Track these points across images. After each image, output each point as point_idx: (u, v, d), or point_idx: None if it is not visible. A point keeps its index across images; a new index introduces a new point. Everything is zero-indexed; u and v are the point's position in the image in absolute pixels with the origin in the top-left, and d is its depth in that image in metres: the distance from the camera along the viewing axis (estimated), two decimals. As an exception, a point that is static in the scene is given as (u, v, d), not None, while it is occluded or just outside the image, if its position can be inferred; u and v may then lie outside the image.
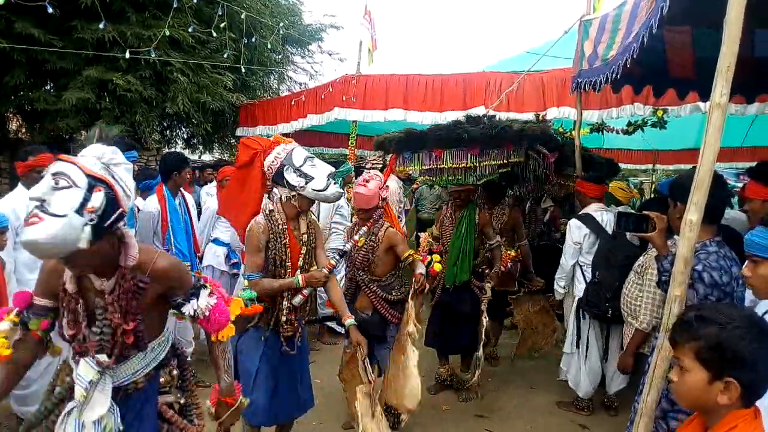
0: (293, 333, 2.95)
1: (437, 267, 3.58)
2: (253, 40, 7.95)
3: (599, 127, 5.92)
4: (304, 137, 8.33)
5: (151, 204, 4.30)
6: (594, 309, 3.91)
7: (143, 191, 4.73)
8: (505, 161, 3.83)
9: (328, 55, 11.25)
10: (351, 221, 6.21)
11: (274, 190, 2.88)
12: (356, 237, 3.52)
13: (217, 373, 2.11)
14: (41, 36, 6.13)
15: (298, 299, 2.92)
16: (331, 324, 5.29)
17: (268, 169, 2.80)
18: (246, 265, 2.88)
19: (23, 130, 8.57)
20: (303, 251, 2.90)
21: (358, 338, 3.08)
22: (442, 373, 4.49)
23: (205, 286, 1.99)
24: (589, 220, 4.15)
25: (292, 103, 7.57)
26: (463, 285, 4.19)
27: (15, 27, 6.00)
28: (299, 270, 2.89)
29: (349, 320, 3.09)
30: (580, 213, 4.29)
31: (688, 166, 3.32)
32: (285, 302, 2.90)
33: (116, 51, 6.45)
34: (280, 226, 2.83)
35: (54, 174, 1.58)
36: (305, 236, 2.92)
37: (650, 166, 11.10)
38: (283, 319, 2.89)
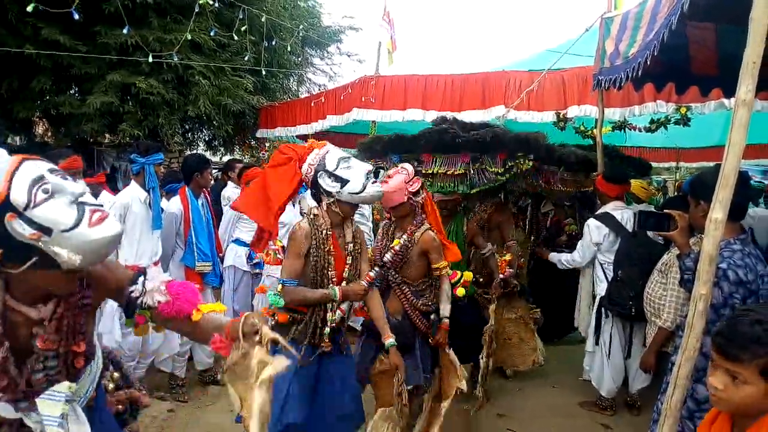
0: (331, 349, 2.77)
1: (460, 292, 3.36)
2: (273, 43, 8.02)
3: (621, 125, 5.85)
4: (324, 138, 8.36)
5: (173, 205, 4.37)
6: (617, 307, 3.89)
7: (168, 193, 4.81)
8: (502, 170, 3.71)
9: (347, 56, 11.31)
10: (372, 221, 6.22)
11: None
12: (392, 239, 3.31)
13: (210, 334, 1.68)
14: (66, 42, 6.25)
15: (337, 316, 2.75)
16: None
17: (305, 179, 2.72)
18: (283, 269, 2.75)
19: (49, 134, 8.75)
20: (348, 261, 2.77)
21: (397, 362, 2.92)
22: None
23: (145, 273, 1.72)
24: (608, 219, 4.12)
25: (312, 104, 7.62)
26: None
27: (41, 33, 6.12)
28: (344, 282, 2.76)
29: (390, 340, 2.90)
30: (598, 212, 4.26)
31: (712, 164, 3.25)
32: (329, 314, 2.73)
33: (139, 55, 6.55)
34: (324, 233, 2.68)
35: None
36: (351, 245, 2.78)
37: (673, 164, 10.95)
38: (327, 331, 2.72)
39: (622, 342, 4.06)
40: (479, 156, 3.76)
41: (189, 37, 6.47)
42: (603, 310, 4.09)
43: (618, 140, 7.41)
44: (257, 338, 1.56)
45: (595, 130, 5.05)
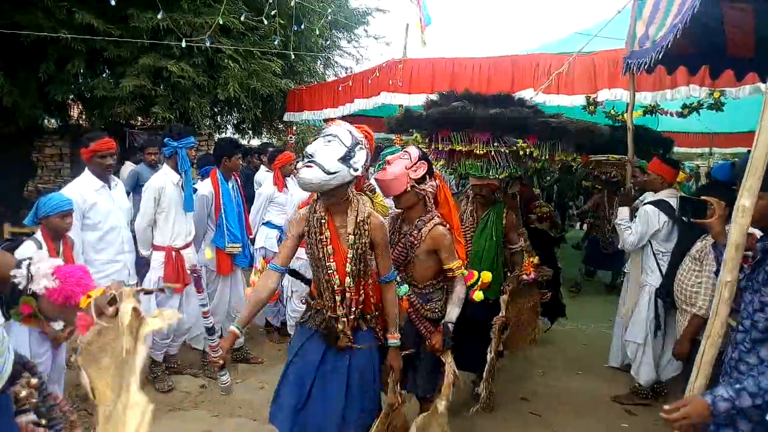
0: (345, 346, 2.51)
1: (477, 297, 3.01)
2: (301, 27, 8.04)
3: (652, 109, 5.76)
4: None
5: (205, 187, 4.46)
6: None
7: (203, 176, 4.91)
8: (526, 153, 3.27)
9: (374, 39, 11.30)
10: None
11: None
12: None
13: None
14: (100, 26, 6.39)
15: (353, 313, 2.49)
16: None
17: None
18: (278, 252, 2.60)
19: (83, 117, 8.97)
20: (349, 255, 2.39)
21: (394, 363, 2.59)
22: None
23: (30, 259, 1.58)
24: (665, 207, 3.99)
25: (339, 88, 7.65)
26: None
27: (75, 17, 6.27)
28: (348, 276, 2.41)
29: (393, 341, 2.58)
30: (653, 200, 4.11)
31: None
32: (340, 309, 2.45)
33: (170, 39, 6.65)
34: (317, 219, 2.40)
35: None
36: (352, 237, 2.39)
37: (707, 149, 10.72)
38: (339, 327, 2.46)
39: (676, 332, 3.87)
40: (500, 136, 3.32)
41: (220, 22, 6.54)
42: (658, 300, 3.94)
43: (650, 125, 7.32)
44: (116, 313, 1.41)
45: (625, 114, 4.98)
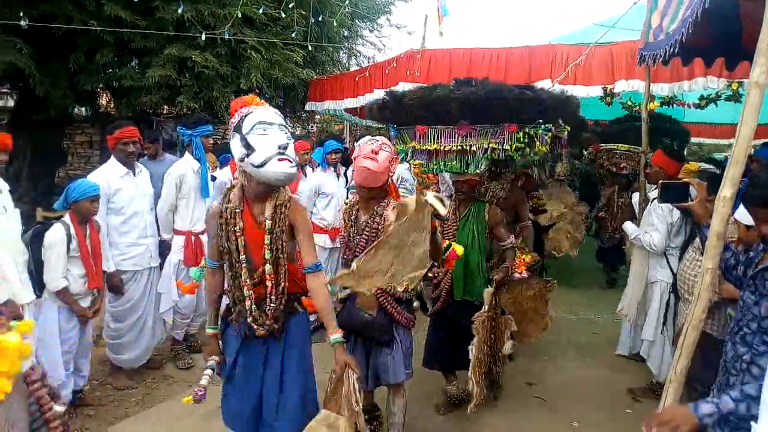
0: (267, 333, 2.48)
1: (459, 250, 2.81)
2: (320, 19, 8.13)
3: (669, 101, 5.73)
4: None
5: (224, 174, 4.63)
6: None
7: (222, 164, 5.07)
8: (503, 144, 3.14)
9: (396, 28, 11.35)
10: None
11: None
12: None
13: None
14: (127, 17, 6.57)
15: (271, 300, 2.46)
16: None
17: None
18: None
19: (112, 105, 9.23)
20: (267, 241, 2.38)
21: (345, 358, 2.42)
22: (451, 392, 3.79)
23: None
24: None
25: (356, 79, 7.73)
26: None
27: (104, 9, 6.47)
28: (267, 263, 2.40)
29: (335, 335, 2.42)
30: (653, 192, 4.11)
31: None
32: (248, 301, 2.45)
33: (194, 30, 6.82)
34: (231, 210, 2.39)
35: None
36: (269, 222, 2.38)
37: (733, 140, 10.50)
38: (249, 319, 2.46)
39: None
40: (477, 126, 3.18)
41: (239, 15, 6.67)
42: (671, 296, 3.93)
43: (676, 116, 7.24)
44: None
45: (642, 106, 4.97)
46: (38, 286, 3.25)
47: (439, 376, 3.88)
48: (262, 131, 2.25)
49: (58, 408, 1.83)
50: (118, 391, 4.00)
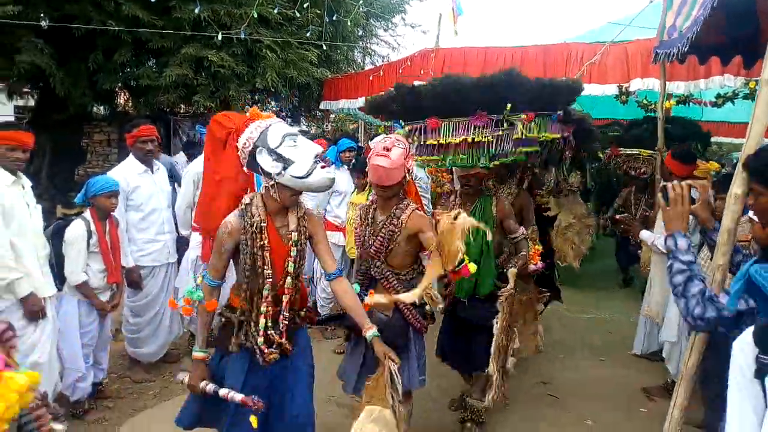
0: (277, 354, 2.41)
1: (472, 268, 2.60)
2: (335, 18, 8.17)
3: (685, 99, 5.69)
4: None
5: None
6: None
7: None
8: (526, 136, 3.01)
9: (410, 27, 11.37)
10: (430, 194, 6.21)
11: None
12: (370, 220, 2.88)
13: None
14: (145, 17, 6.67)
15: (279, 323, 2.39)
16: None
17: (241, 154, 2.33)
18: (208, 265, 2.50)
19: (130, 104, 9.36)
20: (293, 254, 2.38)
21: (384, 349, 2.43)
22: (473, 406, 3.49)
23: None
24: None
25: (371, 78, 7.77)
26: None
27: (122, 9, 6.57)
28: (288, 276, 2.38)
29: (371, 331, 2.44)
30: None
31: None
32: (262, 319, 2.37)
33: (210, 30, 6.90)
34: (257, 225, 2.32)
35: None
36: (295, 234, 2.38)
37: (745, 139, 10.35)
38: (260, 340, 2.37)
39: None
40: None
41: (255, 15, 6.73)
42: None
43: (695, 115, 7.15)
44: None
45: (658, 104, 4.95)
46: (59, 279, 3.33)
47: (455, 372, 3.79)
48: (293, 143, 2.25)
49: (57, 426, 1.79)
50: (137, 384, 4.08)
